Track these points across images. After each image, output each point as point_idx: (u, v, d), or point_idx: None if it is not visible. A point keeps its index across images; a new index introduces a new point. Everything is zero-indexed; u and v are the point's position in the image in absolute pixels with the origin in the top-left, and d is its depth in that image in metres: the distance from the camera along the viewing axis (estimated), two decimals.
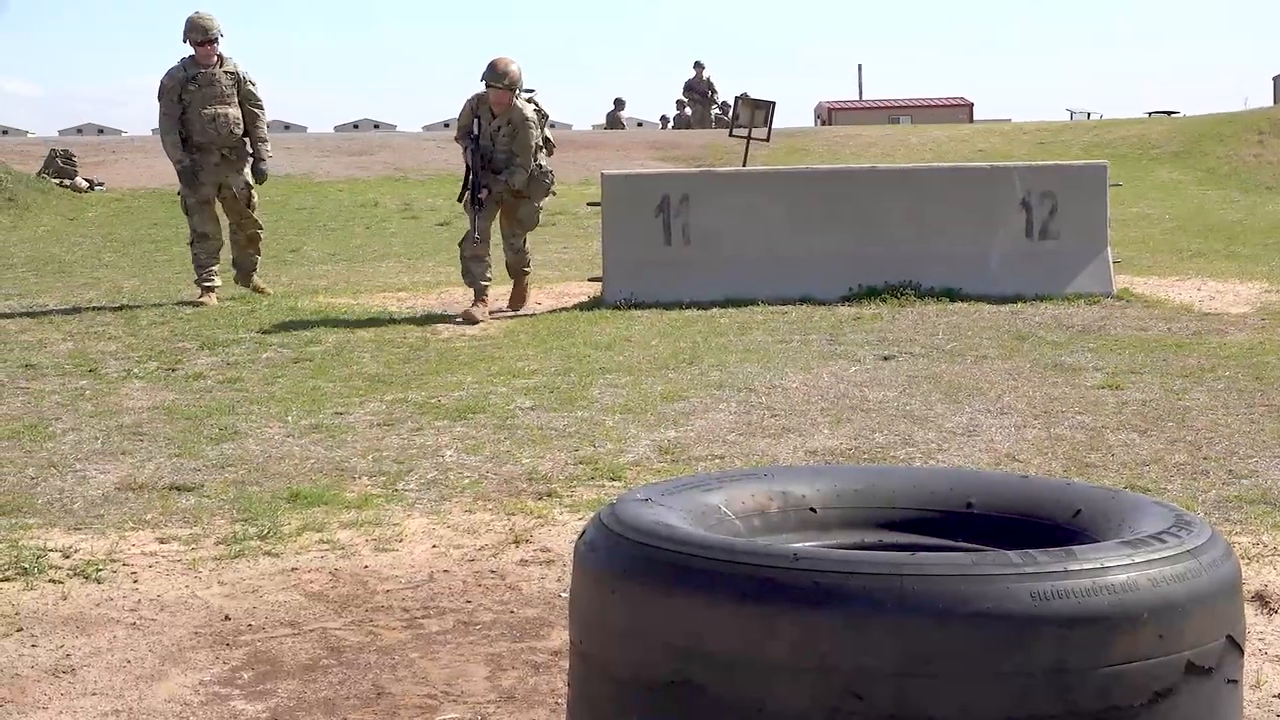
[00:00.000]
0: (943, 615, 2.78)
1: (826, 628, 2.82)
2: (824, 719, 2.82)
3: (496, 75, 11.69)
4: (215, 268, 12.83)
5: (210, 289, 12.70)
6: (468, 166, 11.88)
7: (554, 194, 12.61)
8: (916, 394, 8.46)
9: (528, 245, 12.43)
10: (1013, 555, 2.89)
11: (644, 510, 3.27)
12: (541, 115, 12.16)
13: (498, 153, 11.87)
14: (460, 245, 12.08)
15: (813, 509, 3.60)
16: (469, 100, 11.91)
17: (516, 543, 5.71)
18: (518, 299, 12.43)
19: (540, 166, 12.00)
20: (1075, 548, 2.97)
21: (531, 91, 12.13)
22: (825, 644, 2.81)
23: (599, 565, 3.18)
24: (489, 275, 11.92)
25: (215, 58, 12.66)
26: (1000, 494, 3.63)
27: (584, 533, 3.35)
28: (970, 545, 3.44)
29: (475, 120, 11.83)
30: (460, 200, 12.12)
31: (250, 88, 12.86)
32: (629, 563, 3.08)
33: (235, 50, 14.32)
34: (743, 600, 2.88)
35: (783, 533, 3.51)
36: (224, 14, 13.06)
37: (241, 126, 12.81)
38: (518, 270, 12.41)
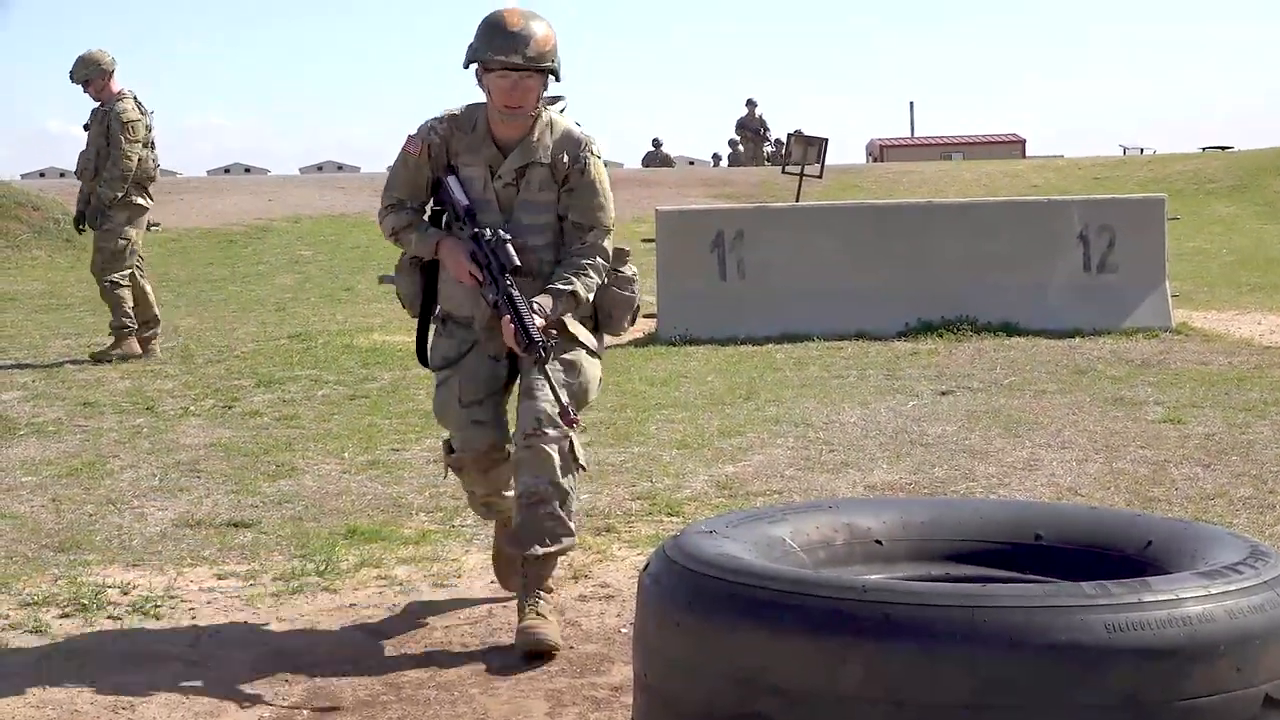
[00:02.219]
0: (1015, 647, 2.74)
1: (897, 660, 2.79)
2: None
3: (510, 38, 4.82)
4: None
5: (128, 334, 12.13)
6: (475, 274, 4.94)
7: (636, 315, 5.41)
8: (976, 428, 8.40)
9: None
10: (1086, 586, 2.85)
11: (708, 542, 3.25)
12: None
13: (520, 222, 5.01)
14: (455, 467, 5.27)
15: (879, 541, 3.57)
16: (430, 130, 5.05)
17: (575, 578, 5.68)
18: None
19: (618, 270, 5.16)
20: (1150, 578, 2.93)
21: (562, 100, 5.31)
22: (896, 676, 2.78)
23: (664, 598, 3.16)
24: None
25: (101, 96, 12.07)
26: (1069, 526, 3.59)
27: (648, 565, 3.33)
28: (1040, 578, 3.39)
29: (450, 170, 5.05)
30: (425, 361, 5.30)
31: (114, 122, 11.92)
32: (694, 595, 3.06)
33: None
34: (812, 632, 2.85)
35: (848, 565, 3.48)
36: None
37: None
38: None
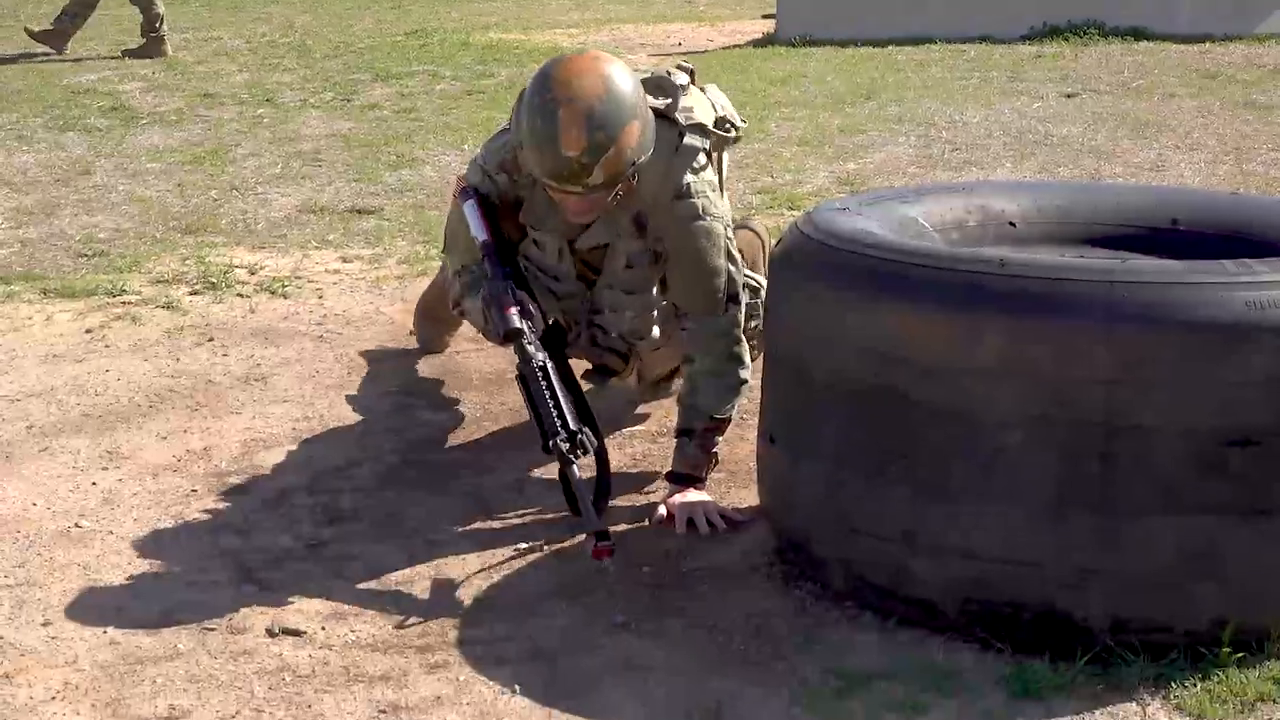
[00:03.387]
0: (1154, 323, 2.70)
1: (1034, 335, 2.76)
2: (1029, 428, 2.78)
3: (565, 165, 3.40)
4: None
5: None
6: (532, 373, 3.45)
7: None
8: (1102, 130, 8.24)
9: None
10: (1228, 264, 2.80)
11: (843, 218, 3.21)
12: (714, 131, 3.81)
13: (601, 292, 3.85)
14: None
15: (1012, 223, 3.52)
16: (482, 174, 3.79)
17: None
18: None
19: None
20: None
21: (684, 79, 3.81)
22: (1032, 352, 2.76)
23: (798, 272, 3.14)
24: None
25: None
26: (1208, 211, 3.51)
27: (780, 240, 3.31)
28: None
29: (472, 193, 3.79)
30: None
31: None
32: (829, 269, 3.04)
33: None
34: (948, 307, 2.83)
35: (981, 246, 3.43)
36: None
37: None
38: None
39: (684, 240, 3.61)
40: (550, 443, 3.34)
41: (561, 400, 3.37)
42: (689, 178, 3.59)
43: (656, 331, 3.86)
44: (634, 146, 3.42)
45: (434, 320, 4.75)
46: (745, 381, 3.69)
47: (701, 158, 3.64)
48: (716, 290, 3.63)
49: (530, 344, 3.45)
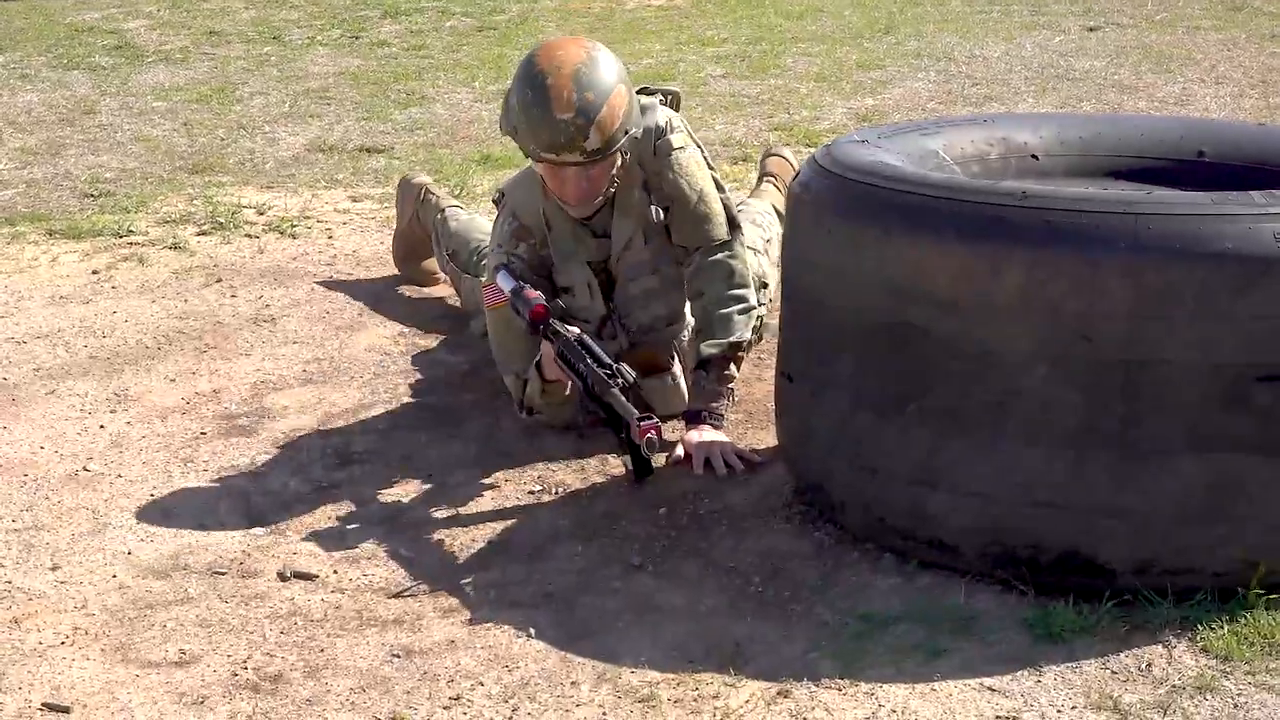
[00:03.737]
0: (1180, 255, 2.68)
1: (1056, 269, 2.73)
2: (1050, 363, 2.76)
3: (558, 129, 3.50)
4: None
5: None
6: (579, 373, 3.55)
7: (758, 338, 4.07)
8: (1125, 64, 8.18)
9: None
10: (1256, 195, 2.78)
11: (861, 150, 3.19)
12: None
13: (628, 293, 3.84)
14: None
15: (1035, 156, 3.49)
16: (505, 271, 3.74)
17: None
18: None
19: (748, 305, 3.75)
20: None
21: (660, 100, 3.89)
22: (1055, 286, 2.74)
23: (814, 205, 3.12)
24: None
25: None
26: (1235, 143, 3.49)
27: (798, 174, 3.29)
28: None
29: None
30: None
31: None
32: (847, 201, 3.02)
33: None
34: (969, 240, 2.81)
35: (1003, 180, 3.40)
36: None
37: None
38: None
39: (674, 173, 3.73)
40: (589, 381, 3.43)
41: (598, 350, 3.48)
42: (663, 126, 3.74)
43: (689, 312, 3.87)
44: (624, 110, 3.53)
45: (414, 259, 4.90)
46: (754, 307, 3.75)
47: (676, 121, 3.79)
48: (715, 215, 3.74)
49: (556, 324, 3.56)
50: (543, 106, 3.48)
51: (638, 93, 3.72)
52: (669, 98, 3.91)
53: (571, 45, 3.59)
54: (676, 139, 3.75)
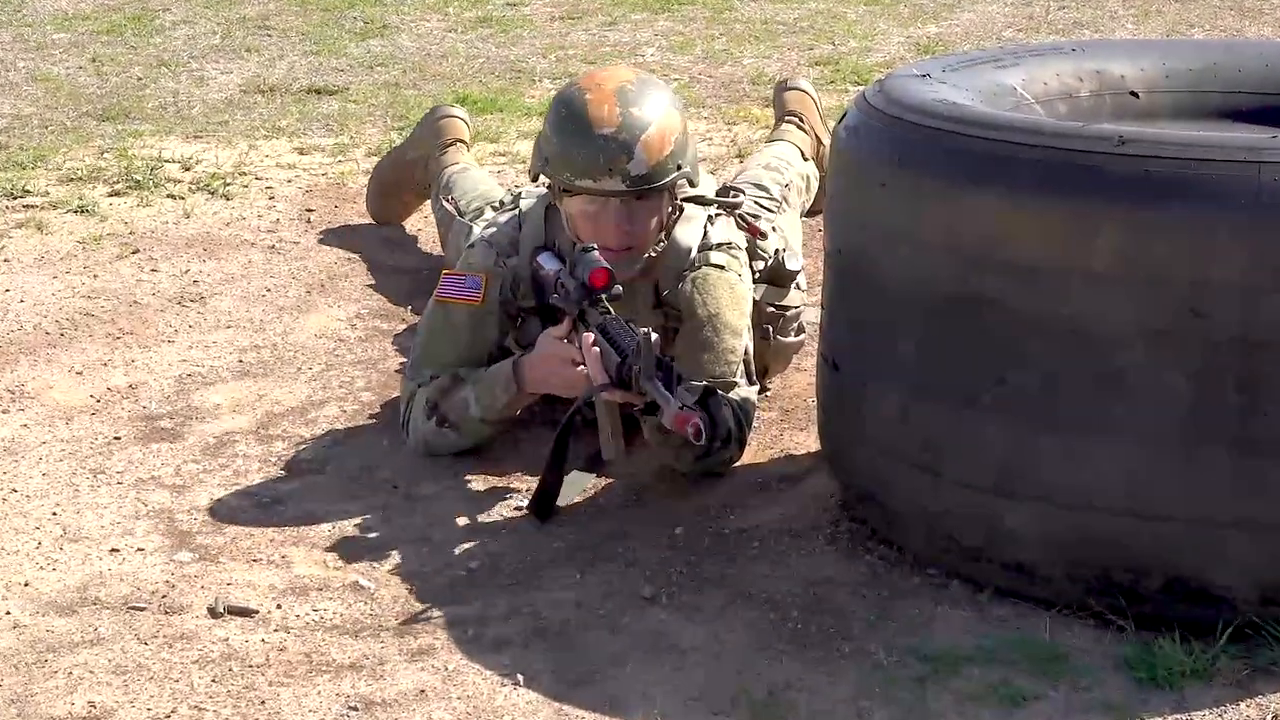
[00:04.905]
0: None
1: (1161, 229, 2.74)
2: (1150, 344, 2.76)
3: (597, 146, 3.50)
4: None
5: None
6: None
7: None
8: None
9: None
10: None
11: (922, 87, 3.19)
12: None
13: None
14: None
15: (1134, 93, 3.50)
16: (494, 258, 3.78)
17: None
18: None
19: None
20: None
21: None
22: (1158, 250, 2.74)
23: (865, 154, 3.13)
24: None
25: None
26: None
27: (844, 116, 3.29)
28: None
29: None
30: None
31: None
32: (905, 148, 3.02)
33: None
34: (1054, 195, 2.80)
35: (1096, 122, 3.40)
36: None
37: None
38: None
39: (693, 285, 3.64)
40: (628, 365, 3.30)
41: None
42: (717, 241, 3.70)
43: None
44: (676, 137, 3.52)
45: (390, 193, 5.06)
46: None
47: (737, 242, 3.74)
48: (725, 348, 3.60)
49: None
50: (579, 122, 3.49)
51: (690, 200, 3.69)
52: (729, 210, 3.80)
53: (615, 69, 3.74)
54: (719, 257, 3.67)
